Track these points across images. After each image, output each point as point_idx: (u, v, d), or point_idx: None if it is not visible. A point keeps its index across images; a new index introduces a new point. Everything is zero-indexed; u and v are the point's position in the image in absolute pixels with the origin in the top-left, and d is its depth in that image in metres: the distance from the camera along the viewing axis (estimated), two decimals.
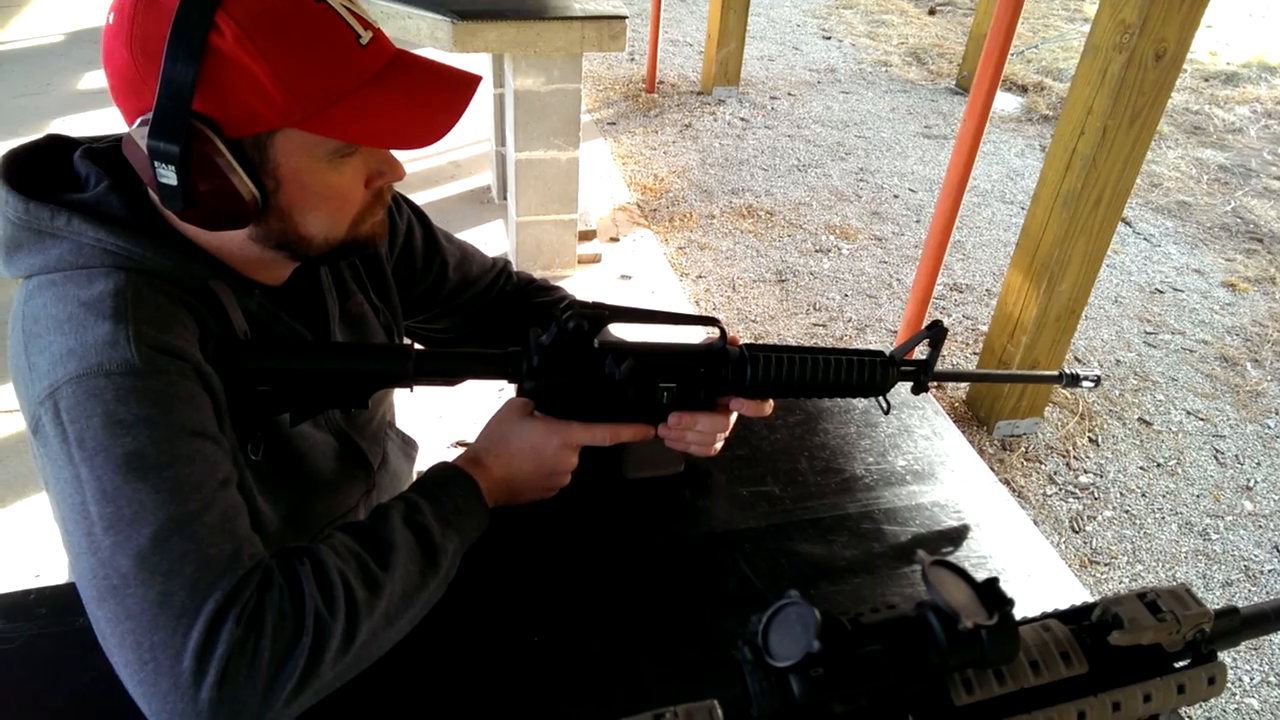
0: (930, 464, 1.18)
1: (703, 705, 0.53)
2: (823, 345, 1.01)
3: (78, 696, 0.81)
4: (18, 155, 0.81)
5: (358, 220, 0.86)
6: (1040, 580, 1.03)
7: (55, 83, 4.68)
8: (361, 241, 0.87)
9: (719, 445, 1.02)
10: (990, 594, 0.55)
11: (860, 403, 1.27)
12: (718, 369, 0.96)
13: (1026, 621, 0.61)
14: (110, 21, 0.72)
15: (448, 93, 0.82)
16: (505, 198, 3.56)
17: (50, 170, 0.82)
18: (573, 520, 1.04)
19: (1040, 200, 2.51)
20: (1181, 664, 0.61)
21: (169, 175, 0.72)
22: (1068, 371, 1.05)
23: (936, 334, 0.98)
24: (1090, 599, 0.79)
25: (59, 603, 0.88)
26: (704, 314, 0.97)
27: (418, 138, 0.80)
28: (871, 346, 1.04)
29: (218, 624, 0.66)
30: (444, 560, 0.83)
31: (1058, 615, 0.63)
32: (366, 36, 0.78)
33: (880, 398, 1.03)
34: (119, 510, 0.67)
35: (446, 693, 0.84)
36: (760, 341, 1.02)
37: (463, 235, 4.04)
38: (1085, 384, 1.05)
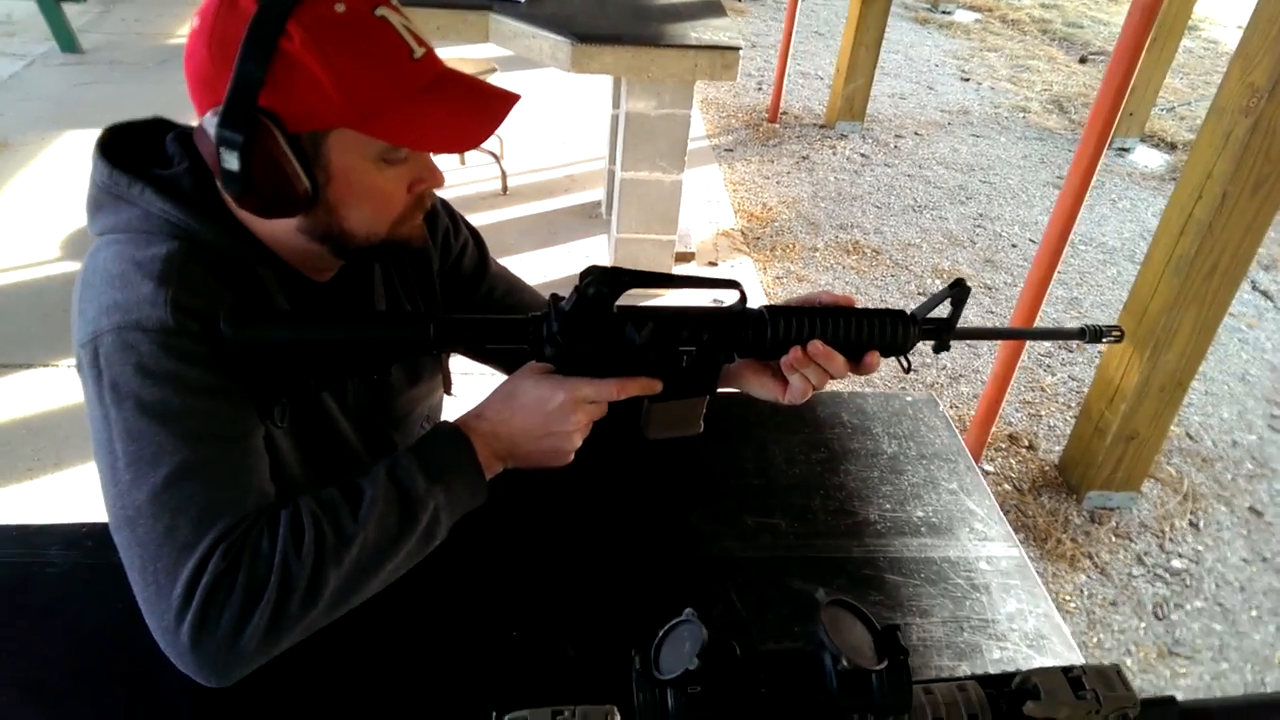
0: (950, 519, 1.15)
1: (600, 709, 0.56)
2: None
3: (105, 625, 0.91)
4: (119, 129, 0.91)
5: (398, 221, 0.91)
6: (1044, 654, 0.99)
7: None
8: (400, 242, 0.93)
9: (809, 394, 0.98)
10: (887, 641, 0.56)
11: (888, 448, 1.26)
12: (739, 331, 0.94)
13: (940, 681, 0.61)
14: (195, 25, 0.81)
15: (487, 106, 0.88)
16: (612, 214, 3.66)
17: (146, 146, 0.91)
18: (574, 521, 1.07)
19: (1151, 263, 2.38)
20: None
21: (232, 161, 0.79)
22: (1090, 326, 0.99)
23: (959, 293, 0.95)
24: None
25: (105, 538, 0.98)
26: (726, 278, 0.95)
27: (457, 143, 0.86)
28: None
29: (208, 557, 0.74)
30: (424, 514, 0.84)
31: (978, 678, 0.62)
32: (420, 52, 0.84)
33: (901, 357, 0.99)
34: (140, 450, 0.76)
35: (418, 671, 0.89)
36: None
37: (568, 246, 4.12)
38: (1106, 340, 0.99)
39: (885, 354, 0.98)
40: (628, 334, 0.90)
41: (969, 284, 0.96)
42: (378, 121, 0.82)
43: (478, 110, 0.88)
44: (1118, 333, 0.99)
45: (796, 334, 0.94)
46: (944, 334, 0.99)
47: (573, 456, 0.94)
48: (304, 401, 0.96)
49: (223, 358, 0.83)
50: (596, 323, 0.90)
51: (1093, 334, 0.98)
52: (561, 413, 0.90)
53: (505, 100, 0.90)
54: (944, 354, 3.35)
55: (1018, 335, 1.10)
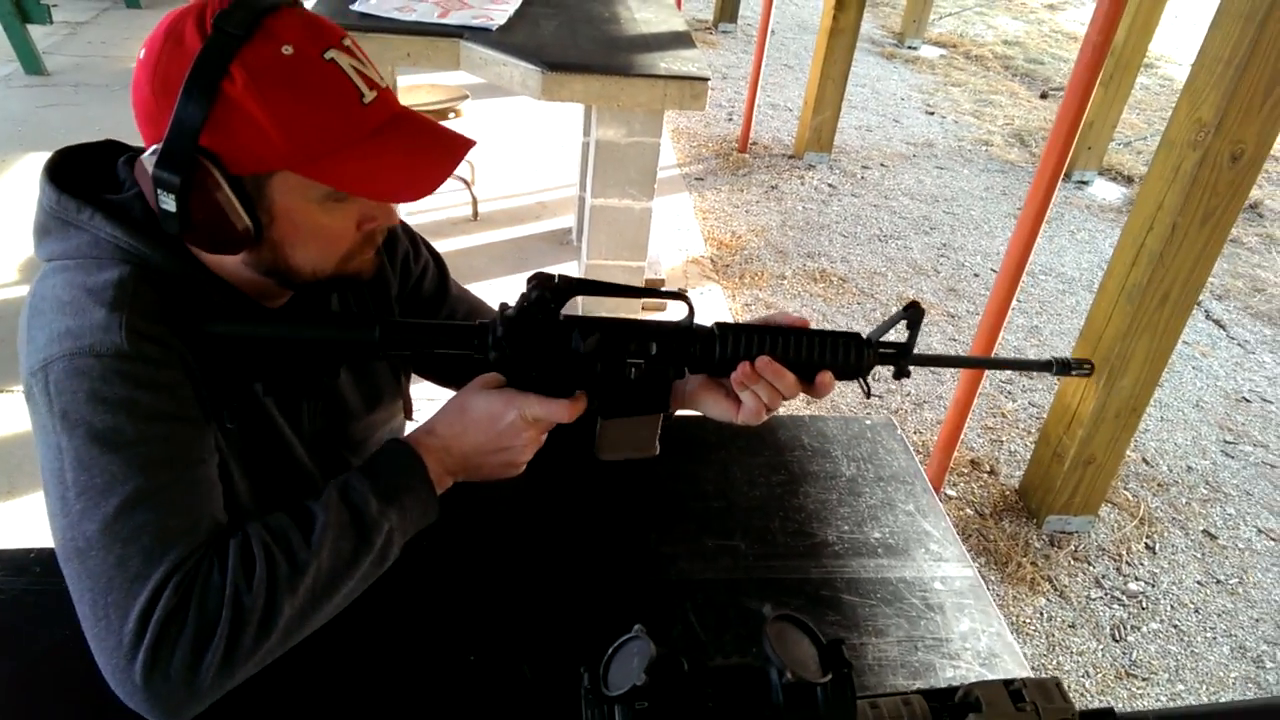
0: (906, 540, 1.17)
1: None
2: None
3: (52, 649, 0.89)
4: (70, 152, 0.90)
5: (346, 258, 0.91)
6: (996, 672, 1.01)
7: None
8: (349, 276, 0.92)
9: (765, 416, 0.98)
10: (832, 655, 0.57)
11: (847, 470, 1.28)
12: (687, 345, 0.94)
13: (885, 695, 0.62)
14: (141, 56, 0.80)
15: (439, 152, 0.87)
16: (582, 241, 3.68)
17: (97, 170, 0.90)
18: (534, 542, 1.08)
19: (1105, 292, 2.45)
20: None
21: (169, 202, 0.79)
22: (1058, 358, 0.98)
23: (914, 315, 0.94)
24: None
25: (52, 564, 0.96)
26: (675, 289, 0.95)
27: (404, 192, 0.84)
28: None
29: (160, 590, 0.73)
30: (378, 537, 0.84)
31: (923, 692, 0.63)
32: (370, 95, 0.83)
33: (861, 380, 0.99)
34: (92, 479, 0.74)
35: (376, 697, 0.89)
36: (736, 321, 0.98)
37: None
38: (1075, 373, 0.98)
39: (841, 376, 0.98)
40: (573, 343, 0.90)
41: (930, 311, 0.96)
42: (321, 165, 0.81)
43: (428, 156, 0.87)
44: (1088, 366, 0.97)
45: (745, 350, 0.94)
46: (902, 359, 0.98)
47: (525, 467, 0.94)
48: (253, 407, 0.94)
49: (180, 381, 0.82)
50: (542, 329, 0.90)
51: (1060, 366, 0.97)
52: (513, 430, 0.91)
53: (459, 146, 0.89)
54: (908, 381, 3.40)
55: (984, 364, 1.10)
